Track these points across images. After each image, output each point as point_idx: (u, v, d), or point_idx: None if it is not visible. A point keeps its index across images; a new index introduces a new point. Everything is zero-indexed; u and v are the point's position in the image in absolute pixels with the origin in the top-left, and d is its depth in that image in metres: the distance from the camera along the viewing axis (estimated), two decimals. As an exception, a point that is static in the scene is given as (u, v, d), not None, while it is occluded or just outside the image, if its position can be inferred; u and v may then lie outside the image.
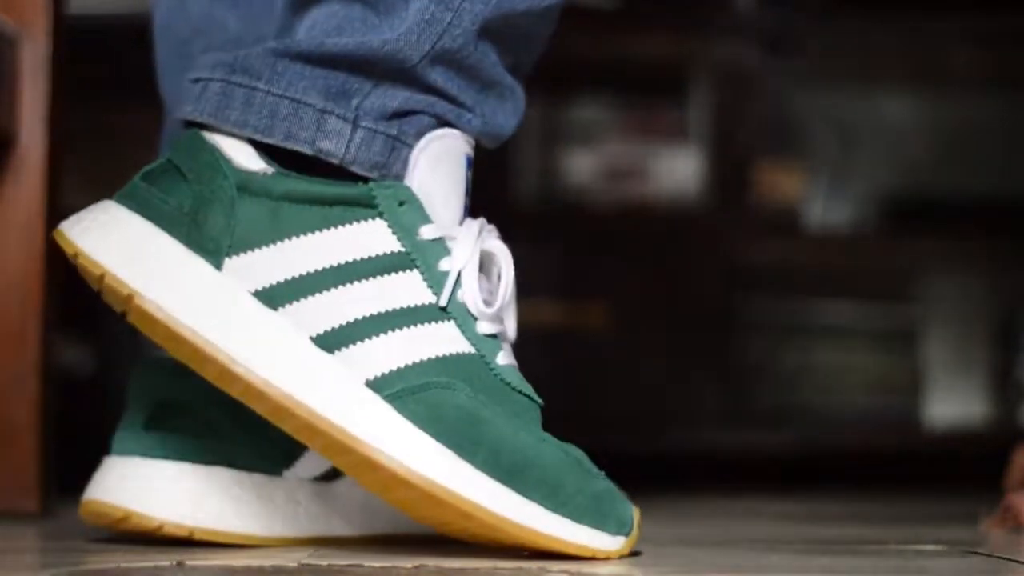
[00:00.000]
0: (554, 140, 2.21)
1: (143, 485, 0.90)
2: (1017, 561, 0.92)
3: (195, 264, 0.87)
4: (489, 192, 2.02)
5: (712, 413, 2.12)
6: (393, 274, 0.87)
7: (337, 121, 0.88)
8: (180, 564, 0.83)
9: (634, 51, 2.23)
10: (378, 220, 0.87)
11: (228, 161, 0.88)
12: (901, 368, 2.21)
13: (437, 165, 0.89)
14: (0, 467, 1.19)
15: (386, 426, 0.84)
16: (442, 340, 0.86)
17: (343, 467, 0.85)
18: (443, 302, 0.86)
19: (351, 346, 0.86)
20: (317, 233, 0.87)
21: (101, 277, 0.86)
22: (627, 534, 0.85)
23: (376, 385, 0.85)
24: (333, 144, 0.88)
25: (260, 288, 0.86)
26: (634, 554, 0.87)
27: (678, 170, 2.23)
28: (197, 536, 0.89)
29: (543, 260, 2.09)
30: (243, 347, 0.85)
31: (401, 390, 0.85)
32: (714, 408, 2.12)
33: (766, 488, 1.83)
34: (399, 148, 0.88)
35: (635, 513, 0.86)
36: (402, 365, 0.85)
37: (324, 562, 0.83)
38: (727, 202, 2.14)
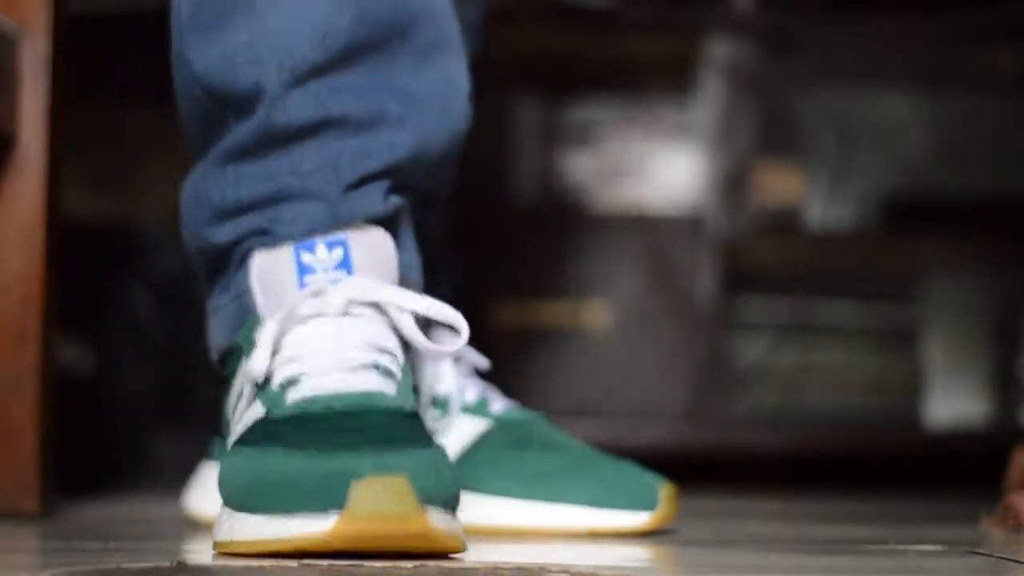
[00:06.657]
0: (554, 140, 2.20)
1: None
2: (1017, 561, 0.92)
3: None
4: (489, 192, 2.02)
5: (711, 413, 2.12)
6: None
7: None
8: (180, 564, 0.83)
9: (634, 51, 2.23)
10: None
11: None
12: (901, 368, 2.21)
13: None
14: (0, 467, 1.19)
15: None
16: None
17: None
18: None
19: None
20: None
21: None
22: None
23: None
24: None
25: None
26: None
27: (678, 170, 2.22)
28: None
29: (543, 260, 2.08)
30: None
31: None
32: (713, 408, 2.12)
33: (766, 488, 1.83)
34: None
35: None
36: None
37: (325, 562, 0.83)
38: (727, 202, 2.13)
